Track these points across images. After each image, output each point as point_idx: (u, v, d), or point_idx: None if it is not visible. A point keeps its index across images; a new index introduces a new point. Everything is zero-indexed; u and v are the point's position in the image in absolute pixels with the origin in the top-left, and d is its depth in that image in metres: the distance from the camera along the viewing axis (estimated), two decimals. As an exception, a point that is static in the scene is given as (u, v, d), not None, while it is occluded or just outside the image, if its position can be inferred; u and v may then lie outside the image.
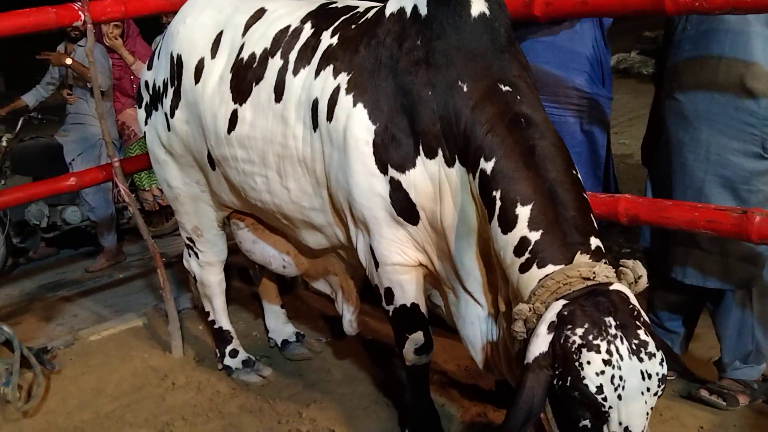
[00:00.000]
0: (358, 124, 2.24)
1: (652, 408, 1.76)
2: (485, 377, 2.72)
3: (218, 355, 3.36)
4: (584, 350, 1.70)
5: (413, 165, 2.17)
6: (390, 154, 2.20)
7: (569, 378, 1.72)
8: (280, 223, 2.75)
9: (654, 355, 1.73)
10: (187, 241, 3.22)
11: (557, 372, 1.75)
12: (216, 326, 3.36)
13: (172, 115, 2.85)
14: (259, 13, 2.67)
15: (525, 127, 1.99)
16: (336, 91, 2.31)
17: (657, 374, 1.73)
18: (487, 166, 1.98)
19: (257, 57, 2.57)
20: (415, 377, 2.60)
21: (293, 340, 3.45)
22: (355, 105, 2.25)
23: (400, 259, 2.35)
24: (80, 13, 3.17)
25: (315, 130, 2.37)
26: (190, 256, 3.26)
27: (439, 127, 2.11)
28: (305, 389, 3.15)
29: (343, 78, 2.30)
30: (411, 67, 2.16)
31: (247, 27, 2.65)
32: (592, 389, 1.70)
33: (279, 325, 3.49)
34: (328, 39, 2.41)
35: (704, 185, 2.59)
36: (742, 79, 2.46)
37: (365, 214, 2.31)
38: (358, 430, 2.85)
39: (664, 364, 1.75)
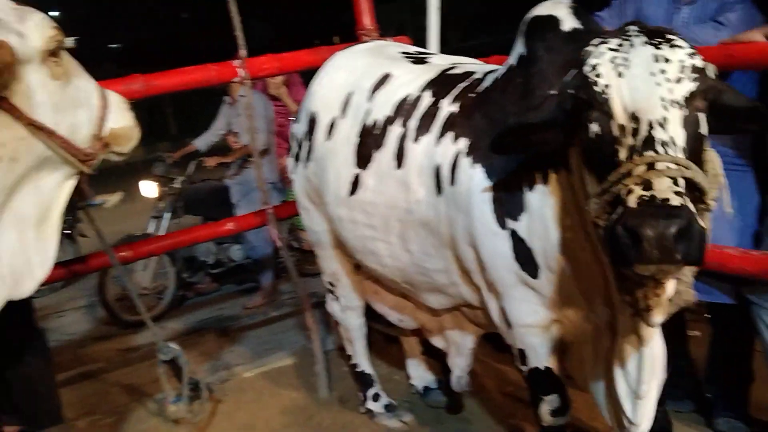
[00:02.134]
0: (477, 185, 2.25)
1: (677, 103, 1.63)
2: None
3: (362, 398, 3.40)
4: (594, 46, 1.73)
5: (522, 209, 2.15)
6: (505, 206, 2.18)
7: (577, 78, 1.74)
8: (398, 286, 2.78)
9: (678, 46, 1.64)
10: (328, 285, 3.31)
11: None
12: (358, 369, 3.41)
13: (306, 166, 2.98)
14: (384, 79, 2.75)
15: None
16: (457, 156, 2.33)
17: (679, 61, 1.63)
18: None
19: (379, 124, 2.64)
20: (552, 437, 2.51)
21: (434, 387, 3.43)
22: (473, 166, 2.27)
23: (531, 320, 2.30)
24: (239, 69, 3.39)
25: (439, 194, 2.40)
26: (331, 300, 3.34)
27: None
28: (445, 438, 3.12)
29: (464, 143, 2.33)
30: (511, 105, 2.17)
31: (373, 92, 2.74)
32: (588, 69, 1.68)
33: (420, 371, 3.49)
34: (447, 107, 2.45)
35: None
36: None
37: (493, 274, 2.30)
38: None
39: (697, 57, 1.64)
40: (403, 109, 2.58)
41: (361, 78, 2.81)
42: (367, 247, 2.70)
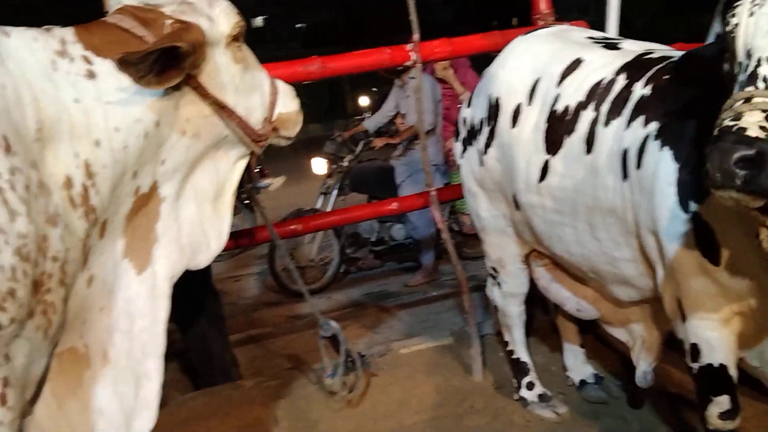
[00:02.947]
0: (663, 168, 2.16)
1: None
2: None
3: (516, 385, 3.38)
4: None
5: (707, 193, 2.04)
6: (690, 189, 2.10)
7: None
8: (584, 275, 2.71)
9: None
10: (491, 271, 3.30)
11: None
12: (514, 357, 3.39)
13: (485, 152, 2.95)
14: (575, 64, 2.66)
15: None
16: (645, 140, 2.24)
17: None
18: None
19: (571, 109, 2.57)
20: (718, 443, 2.39)
21: (591, 381, 3.34)
22: (661, 149, 2.18)
23: (709, 311, 2.18)
24: (411, 53, 3.44)
25: (625, 180, 2.32)
26: (492, 285, 3.33)
27: None
28: (600, 434, 3.05)
29: (654, 126, 2.24)
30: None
31: (563, 77, 2.66)
32: (730, 11, 1.71)
33: (577, 364, 3.41)
34: (640, 90, 2.35)
35: None
36: None
37: (672, 261, 2.20)
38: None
39: None
40: (596, 93, 2.51)
41: (549, 63, 2.75)
42: (555, 233, 2.67)
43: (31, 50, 1.83)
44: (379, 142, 5.97)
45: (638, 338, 2.83)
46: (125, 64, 1.88)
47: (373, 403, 3.46)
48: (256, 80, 2.34)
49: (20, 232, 1.62)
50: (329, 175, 6.06)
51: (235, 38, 2.23)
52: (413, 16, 3.31)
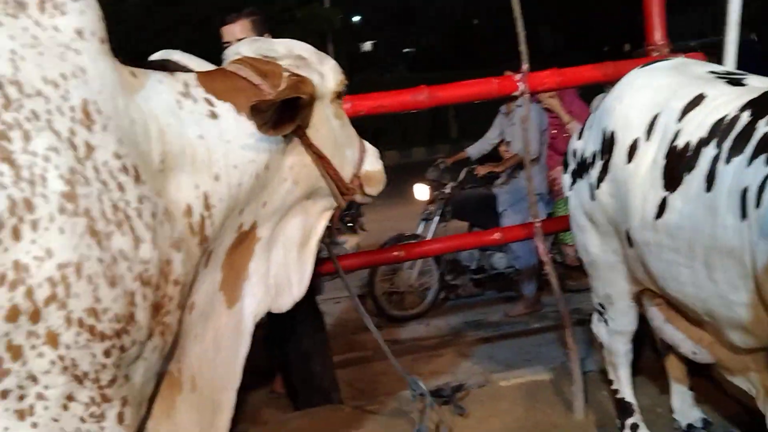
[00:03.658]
0: None
1: None
2: None
3: (619, 425, 3.26)
4: None
5: None
6: None
7: None
8: (700, 318, 2.60)
9: None
10: (598, 307, 3.21)
11: None
12: (618, 396, 3.27)
13: (598, 186, 2.88)
14: (698, 100, 2.57)
15: None
16: (766, 178, 2.13)
17: None
18: None
19: (692, 145, 2.48)
20: None
21: (699, 426, 3.19)
22: None
23: None
24: (519, 83, 3.42)
25: (744, 219, 2.22)
26: (599, 321, 3.24)
27: None
28: (708, 483, 2.90)
29: None
30: None
31: (684, 113, 2.58)
32: None
33: (685, 406, 3.26)
34: (764, 127, 2.24)
35: None
36: None
37: None
38: None
39: None
40: (719, 130, 2.42)
41: (670, 98, 2.67)
42: (670, 272, 2.58)
43: (157, 91, 1.96)
44: (482, 170, 5.94)
45: (760, 388, 2.68)
46: (257, 110, 2.00)
47: (471, 436, 3.44)
48: (350, 137, 2.45)
49: (143, 258, 1.71)
50: (431, 201, 6.07)
51: (338, 95, 2.36)
52: (522, 47, 3.29)
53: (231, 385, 2.27)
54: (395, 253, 3.95)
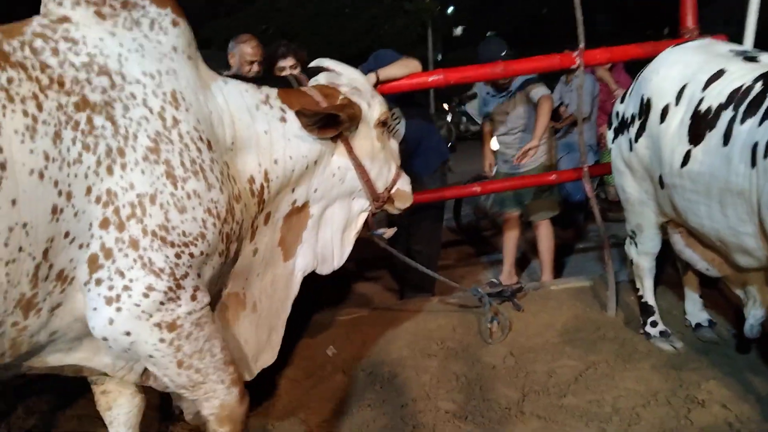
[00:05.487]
0: None
1: None
2: None
3: (642, 322, 3.25)
4: None
5: None
6: None
7: None
8: (713, 243, 2.54)
9: None
10: (630, 233, 3.17)
11: None
12: (642, 300, 3.25)
13: (636, 140, 2.82)
14: (719, 74, 2.47)
15: None
16: None
17: None
18: None
19: (713, 109, 2.40)
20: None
21: (705, 325, 3.14)
22: None
23: None
24: (576, 59, 3.32)
25: (753, 167, 2.15)
26: (630, 244, 3.20)
27: None
28: (708, 367, 2.87)
29: None
30: None
31: (708, 83, 2.48)
32: None
33: (696, 310, 3.21)
34: None
35: None
36: None
37: None
38: (748, 410, 2.51)
39: None
40: (736, 97, 2.33)
41: (697, 72, 2.56)
42: (691, 208, 2.54)
43: (242, 95, 2.09)
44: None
45: (752, 297, 2.62)
46: (300, 114, 2.15)
47: (526, 324, 3.50)
48: (387, 160, 2.49)
49: (212, 198, 1.83)
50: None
51: (382, 123, 2.41)
52: (580, 29, 3.18)
53: (282, 316, 2.38)
54: (474, 188, 3.99)
